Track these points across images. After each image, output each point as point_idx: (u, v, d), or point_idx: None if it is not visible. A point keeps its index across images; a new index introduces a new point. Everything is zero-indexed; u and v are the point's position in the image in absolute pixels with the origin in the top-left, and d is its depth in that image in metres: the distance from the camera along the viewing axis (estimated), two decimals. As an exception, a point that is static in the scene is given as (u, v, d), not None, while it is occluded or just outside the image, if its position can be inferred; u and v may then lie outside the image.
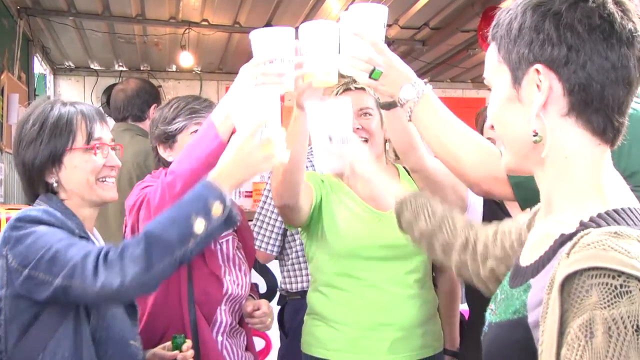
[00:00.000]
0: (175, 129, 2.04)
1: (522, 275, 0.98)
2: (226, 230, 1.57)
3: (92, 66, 6.78)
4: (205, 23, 5.40)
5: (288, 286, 2.84)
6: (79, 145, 1.61)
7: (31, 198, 1.67)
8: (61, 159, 1.61)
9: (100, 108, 2.83)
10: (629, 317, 0.75)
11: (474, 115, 3.26)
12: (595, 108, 0.93)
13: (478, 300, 1.36)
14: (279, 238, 2.79)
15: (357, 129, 2.03)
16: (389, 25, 5.48)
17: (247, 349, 2.16)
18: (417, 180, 1.97)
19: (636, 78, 0.93)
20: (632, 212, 0.91)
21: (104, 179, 1.65)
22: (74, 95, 6.76)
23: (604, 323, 0.76)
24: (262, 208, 2.77)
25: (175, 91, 6.60)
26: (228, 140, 1.57)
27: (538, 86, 0.95)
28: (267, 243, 2.72)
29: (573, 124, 0.95)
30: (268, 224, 2.71)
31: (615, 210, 0.90)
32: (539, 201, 1.05)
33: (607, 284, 0.77)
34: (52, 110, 1.62)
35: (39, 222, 1.49)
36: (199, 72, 6.98)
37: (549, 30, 0.93)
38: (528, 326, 0.90)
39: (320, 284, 2.09)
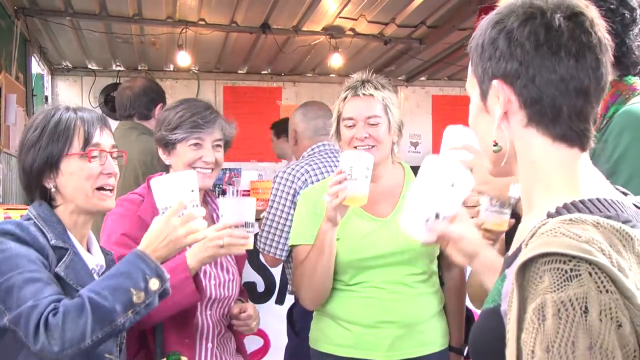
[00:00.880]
0: (175, 139, 2.06)
1: (503, 267, 1.03)
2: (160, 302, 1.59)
3: (89, 66, 6.78)
4: (202, 22, 5.40)
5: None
6: (76, 151, 1.60)
7: (31, 201, 1.67)
8: (58, 165, 1.59)
9: (101, 111, 2.83)
10: (577, 299, 0.78)
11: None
12: (551, 118, 0.97)
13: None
14: (288, 242, 2.78)
15: (365, 137, 2.04)
16: (385, 24, 5.50)
17: (237, 350, 2.18)
18: None
19: (593, 87, 0.96)
20: (599, 202, 0.92)
21: (101, 188, 1.63)
22: (71, 95, 6.77)
23: (554, 306, 0.79)
24: (269, 213, 2.73)
25: (172, 90, 6.58)
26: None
27: (498, 99, 1.00)
28: (276, 248, 2.70)
29: (535, 133, 0.99)
30: (277, 228, 2.69)
31: (582, 201, 0.92)
32: None
33: (558, 269, 0.80)
34: (53, 116, 1.62)
35: (11, 235, 1.48)
36: (196, 72, 6.98)
37: (502, 47, 0.98)
38: (501, 314, 0.93)
39: None
